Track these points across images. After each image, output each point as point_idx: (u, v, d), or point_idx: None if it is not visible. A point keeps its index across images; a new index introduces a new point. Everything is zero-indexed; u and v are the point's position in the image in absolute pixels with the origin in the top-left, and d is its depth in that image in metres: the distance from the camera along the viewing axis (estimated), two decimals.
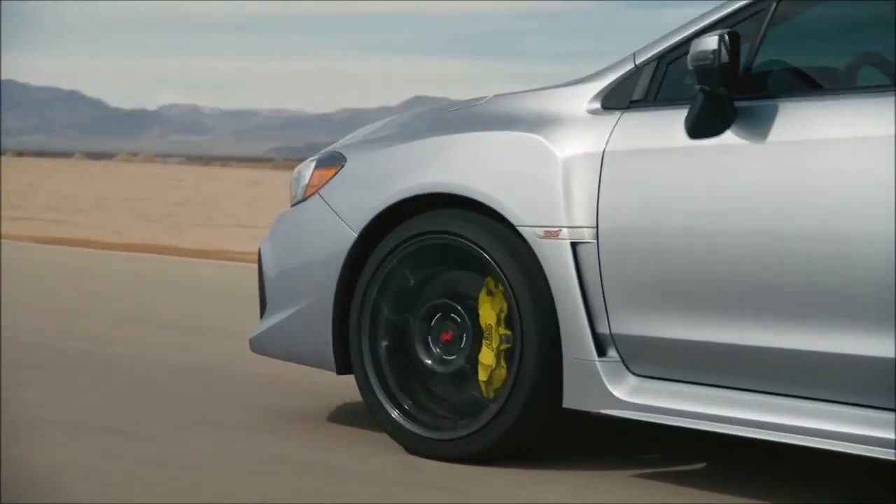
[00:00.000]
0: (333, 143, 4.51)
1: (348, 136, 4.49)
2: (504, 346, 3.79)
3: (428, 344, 3.96)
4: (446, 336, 3.92)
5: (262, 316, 4.36)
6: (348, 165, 4.15)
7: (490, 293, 3.83)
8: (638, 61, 3.73)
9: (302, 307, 4.14)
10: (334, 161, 4.22)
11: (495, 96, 4.13)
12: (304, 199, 4.26)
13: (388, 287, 3.97)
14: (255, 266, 4.52)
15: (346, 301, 4.05)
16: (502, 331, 3.79)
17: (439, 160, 3.95)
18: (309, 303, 4.12)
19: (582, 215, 3.64)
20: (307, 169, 4.32)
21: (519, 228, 3.73)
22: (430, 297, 3.96)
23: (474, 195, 3.81)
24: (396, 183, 3.96)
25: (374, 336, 3.98)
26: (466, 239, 3.81)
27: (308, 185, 4.26)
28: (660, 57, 3.68)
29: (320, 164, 4.26)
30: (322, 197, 4.17)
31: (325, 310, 4.06)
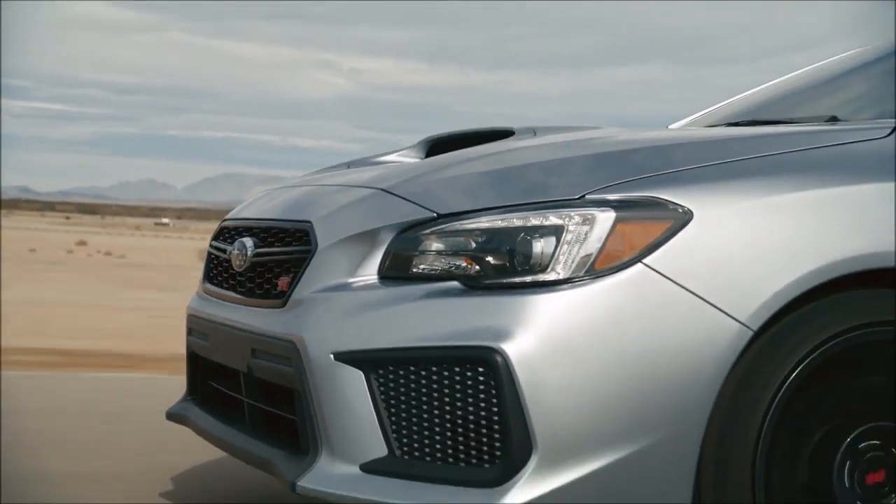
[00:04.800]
0: None
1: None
2: None
3: (853, 487, 2.77)
4: (876, 477, 2.79)
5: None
6: (698, 224, 2.70)
7: None
8: None
9: (631, 450, 2.61)
10: (660, 213, 2.71)
11: None
12: (601, 273, 2.65)
13: (800, 408, 2.74)
14: None
15: (714, 433, 2.69)
16: None
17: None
18: (650, 441, 2.62)
19: None
20: (582, 221, 2.70)
21: None
22: (857, 417, 2.80)
23: None
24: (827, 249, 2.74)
25: (776, 489, 2.73)
26: None
27: (609, 246, 2.69)
28: None
29: (628, 219, 2.70)
30: (660, 272, 2.66)
31: (683, 450, 2.63)
